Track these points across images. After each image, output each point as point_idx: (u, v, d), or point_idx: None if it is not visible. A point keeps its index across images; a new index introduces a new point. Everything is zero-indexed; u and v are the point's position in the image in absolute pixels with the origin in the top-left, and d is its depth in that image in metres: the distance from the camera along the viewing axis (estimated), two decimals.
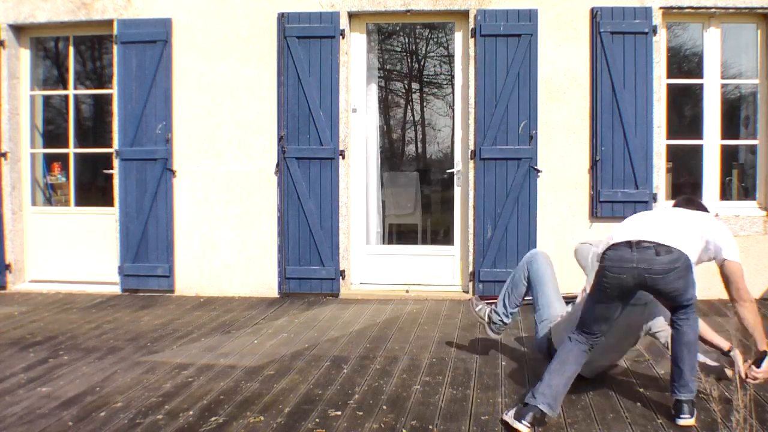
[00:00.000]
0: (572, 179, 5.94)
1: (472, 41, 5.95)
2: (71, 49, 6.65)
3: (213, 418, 3.30)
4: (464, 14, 6.05)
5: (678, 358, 3.20)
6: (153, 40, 6.20)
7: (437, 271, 6.27)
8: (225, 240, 6.27)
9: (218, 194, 6.26)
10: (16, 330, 5.09)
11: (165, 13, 6.24)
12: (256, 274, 6.23)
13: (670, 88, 6.12)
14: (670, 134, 6.11)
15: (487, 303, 4.27)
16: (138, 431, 3.16)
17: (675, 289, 3.10)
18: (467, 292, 6.08)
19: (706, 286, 5.89)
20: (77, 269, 6.61)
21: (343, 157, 6.09)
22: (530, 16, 5.86)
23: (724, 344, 3.48)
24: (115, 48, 6.28)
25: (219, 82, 6.22)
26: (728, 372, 3.56)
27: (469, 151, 6.01)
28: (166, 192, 6.26)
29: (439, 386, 3.74)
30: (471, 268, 6.01)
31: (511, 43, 5.88)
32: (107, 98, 6.85)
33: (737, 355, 3.35)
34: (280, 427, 3.19)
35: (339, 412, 3.35)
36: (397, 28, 9.19)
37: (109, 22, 6.33)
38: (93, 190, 7.60)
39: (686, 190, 6.64)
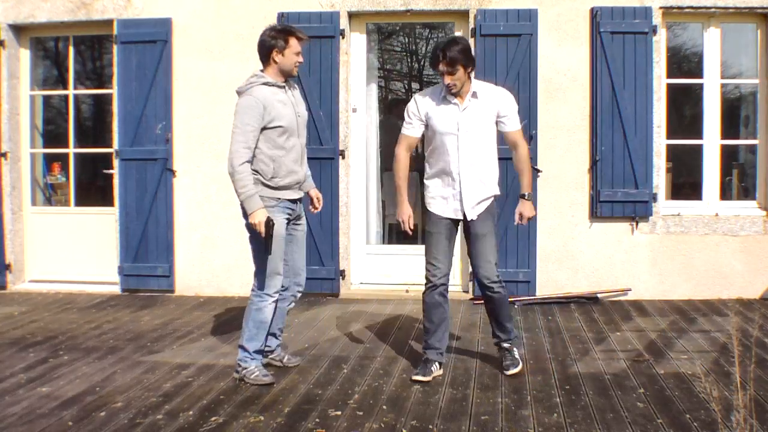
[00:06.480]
0: (572, 179, 5.94)
1: (472, 41, 5.94)
2: (71, 49, 6.65)
3: (213, 418, 3.30)
4: (464, 14, 6.05)
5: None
6: (153, 40, 6.20)
7: None
8: (225, 240, 6.26)
9: (218, 194, 6.25)
10: (16, 330, 5.09)
11: (165, 13, 6.24)
12: None
13: (670, 88, 6.11)
14: (670, 134, 6.11)
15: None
16: (138, 431, 3.16)
17: None
18: (467, 292, 6.08)
19: (707, 286, 5.91)
20: (77, 269, 6.60)
21: (343, 157, 6.09)
22: (530, 16, 5.86)
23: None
24: (115, 48, 6.27)
25: (219, 82, 6.22)
26: None
27: None
28: (166, 192, 6.25)
29: (439, 386, 3.74)
30: (471, 268, 5.98)
31: (511, 43, 5.87)
32: (107, 98, 6.84)
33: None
34: (280, 427, 3.19)
35: (339, 412, 3.36)
36: (397, 28, 9.17)
37: (108, 22, 6.33)
38: (93, 190, 7.59)
39: (686, 190, 6.64)
